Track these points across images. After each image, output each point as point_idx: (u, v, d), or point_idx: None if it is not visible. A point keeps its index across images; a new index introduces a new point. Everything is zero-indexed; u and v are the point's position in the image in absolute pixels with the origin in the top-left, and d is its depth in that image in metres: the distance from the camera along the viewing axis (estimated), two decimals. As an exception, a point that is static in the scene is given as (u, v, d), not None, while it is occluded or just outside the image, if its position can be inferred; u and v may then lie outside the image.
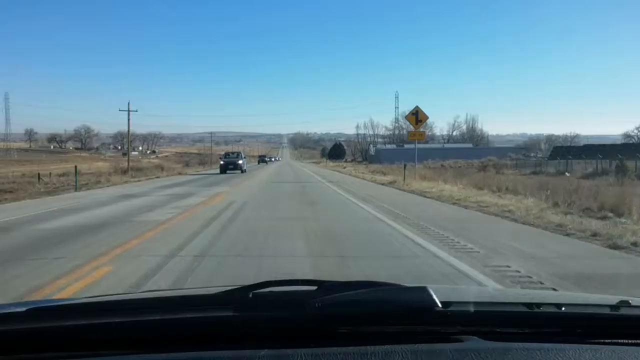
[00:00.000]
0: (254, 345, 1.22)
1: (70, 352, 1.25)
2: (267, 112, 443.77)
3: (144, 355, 1.24)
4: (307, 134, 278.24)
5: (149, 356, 1.23)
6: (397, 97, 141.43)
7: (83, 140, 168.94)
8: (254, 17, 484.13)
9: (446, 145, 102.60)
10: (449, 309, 1.29)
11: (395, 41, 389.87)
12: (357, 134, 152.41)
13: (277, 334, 1.26)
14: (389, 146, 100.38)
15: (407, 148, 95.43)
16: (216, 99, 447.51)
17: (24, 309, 1.34)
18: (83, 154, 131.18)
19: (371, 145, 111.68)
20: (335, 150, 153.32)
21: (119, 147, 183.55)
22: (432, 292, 1.26)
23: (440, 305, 1.26)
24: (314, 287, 1.36)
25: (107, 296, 1.89)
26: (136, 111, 46.38)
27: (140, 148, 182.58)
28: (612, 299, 1.43)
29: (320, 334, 1.26)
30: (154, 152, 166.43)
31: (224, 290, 1.43)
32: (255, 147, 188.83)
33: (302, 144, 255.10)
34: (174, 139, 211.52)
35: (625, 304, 1.39)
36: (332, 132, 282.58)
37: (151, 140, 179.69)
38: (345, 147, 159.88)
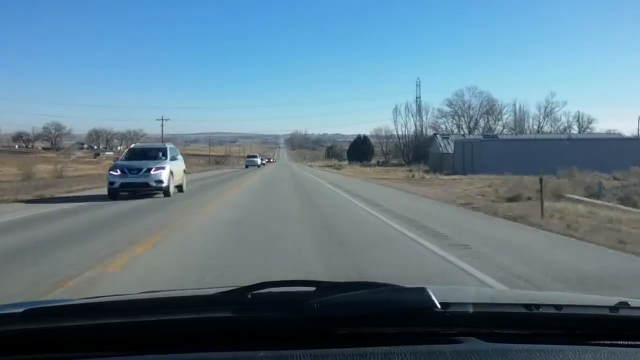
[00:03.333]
0: (252, 346, 1.22)
1: (68, 353, 1.25)
2: (263, 112, 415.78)
3: (142, 356, 1.23)
4: (305, 134, 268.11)
5: (147, 357, 1.22)
6: (418, 86, 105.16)
7: (53, 139, 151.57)
8: (251, 16, 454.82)
9: (578, 136, 61.61)
10: (448, 310, 1.31)
11: (409, 37, 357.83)
12: (384, 130, 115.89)
13: (275, 335, 1.27)
14: (470, 137, 61.42)
15: (512, 139, 58.12)
16: (212, 100, 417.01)
17: (21, 309, 1.36)
18: (48, 154, 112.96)
19: (438, 137, 66.37)
20: (357, 148, 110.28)
21: (95, 147, 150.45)
22: (431, 293, 1.29)
23: (439, 306, 1.28)
24: (313, 288, 1.37)
25: (104, 297, 1.89)
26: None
27: (120, 148, 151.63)
28: (612, 300, 1.46)
29: (319, 335, 1.27)
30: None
31: (222, 291, 1.45)
32: (250, 148, 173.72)
33: (300, 145, 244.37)
34: (168, 140, 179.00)
35: (624, 305, 1.41)
36: (329, 132, 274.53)
37: (130, 138, 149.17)
38: (371, 144, 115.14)
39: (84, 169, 66.94)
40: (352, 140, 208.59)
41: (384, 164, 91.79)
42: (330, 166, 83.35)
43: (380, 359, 1.15)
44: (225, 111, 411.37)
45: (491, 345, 1.23)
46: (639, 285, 5.53)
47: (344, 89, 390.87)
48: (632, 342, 1.29)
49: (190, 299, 1.54)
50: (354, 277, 5.25)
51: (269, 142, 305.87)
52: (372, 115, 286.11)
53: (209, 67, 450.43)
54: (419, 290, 1.32)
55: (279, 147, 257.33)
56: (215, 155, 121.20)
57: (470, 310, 1.35)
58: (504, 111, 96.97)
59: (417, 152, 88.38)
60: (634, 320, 1.39)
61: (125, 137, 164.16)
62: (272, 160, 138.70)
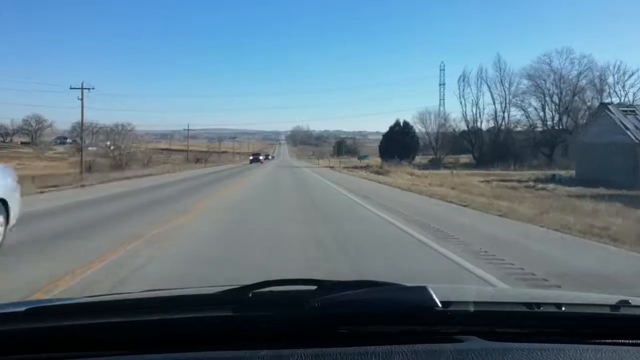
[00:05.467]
0: (253, 344, 1.23)
1: (70, 352, 1.26)
2: (264, 108, 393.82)
3: (144, 355, 1.24)
4: (307, 130, 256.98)
5: (148, 356, 1.24)
6: (442, 70, 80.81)
7: (33, 133, 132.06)
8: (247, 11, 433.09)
9: None
10: (449, 308, 1.33)
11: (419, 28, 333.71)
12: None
13: (277, 334, 1.28)
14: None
15: None
16: (211, 94, 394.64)
17: (23, 308, 1.37)
18: (24, 150, 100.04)
19: (614, 111, 32.13)
20: (394, 141, 74.52)
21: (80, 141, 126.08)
22: (432, 292, 1.30)
23: (440, 305, 1.29)
24: (314, 287, 1.38)
25: (106, 296, 1.98)
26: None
27: (108, 142, 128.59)
28: (613, 298, 1.47)
29: (320, 334, 1.29)
30: (119, 147, 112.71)
31: (223, 290, 1.45)
32: (248, 145, 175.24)
33: (302, 141, 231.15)
34: (165, 135, 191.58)
35: (625, 303, 1.42)
36: (331, 129, 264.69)
37: (118, 132, 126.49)
38: (416, 134, 78.89)
39: (36, 167, 48.04)
40: (354, 137, 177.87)
41: (437, 163, 65.21)
42: (360, 168, 53.76)
43: (382, 358, 1.15)
44: (225, 105, 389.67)
45: (492, 344, 1.24)
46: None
47: (344, 89, 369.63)
48: (633, 341, 1.29)
49: (191, 298, 1.55)
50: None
51: (270, 139, 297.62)
52: (396, 104, 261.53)
53: (208, 63, 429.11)
54: (420, 289, 1.31)
55: (280, 143, 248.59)
56: (197, 150, 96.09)
57: (471, 309, 1.35)
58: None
59: (497, 146, 61.80)
60: (635, 318, 1.39)
61: (112, 131, 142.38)
62: (269, 157, 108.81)
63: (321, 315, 1.26)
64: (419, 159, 74.25)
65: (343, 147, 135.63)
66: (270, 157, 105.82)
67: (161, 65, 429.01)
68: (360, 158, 76.96)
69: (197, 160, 74.50)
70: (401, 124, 77.70)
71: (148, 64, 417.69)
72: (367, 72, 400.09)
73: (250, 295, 1.34)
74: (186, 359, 1.20)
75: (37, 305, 1.43)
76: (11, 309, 1.40)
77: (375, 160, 71.60)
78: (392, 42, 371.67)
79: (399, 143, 71.73)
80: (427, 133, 77.62)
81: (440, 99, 75.36)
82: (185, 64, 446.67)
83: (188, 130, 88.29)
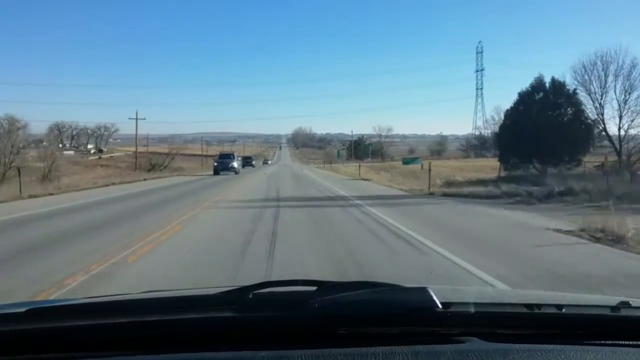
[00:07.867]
0: (254, 345, 1.24)
1: (70, 352, 1.27)
2: (265, 109, 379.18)
3: (144, 355, 1.25)
4: (309, 132, 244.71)
5: (148, 357, 1.24)
6: (480, 53, 59.72)
7: (5, 136, 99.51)
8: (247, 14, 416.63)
9: None
10: (450, 309, 1.34)
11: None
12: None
13: (277, 335, 1.29)
14: None
15: None
16: (211, 98, 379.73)
17: (23, 309, 1.39)
18: None
19: None
20: (533, 122, 30.39)
21: (61, 144, 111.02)
22: (432, 293, 1.31)
23: (440, 306, 1.30)
24: (314, 288, 1.40)
25: (106, 297, 1.92)
26: None
27: (90, 146, 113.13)
28: (613, 300, 1.49)
29: (320, 335, 1.29)
30: (100, 150, 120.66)
31: (224, 290, 1.47)
32: (244, 148, 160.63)
33: (305, 143, 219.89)
34: (165, 139, 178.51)
35: (625, 305, 1.43)
36: (332, 132, 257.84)
37: (100, 135, 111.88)
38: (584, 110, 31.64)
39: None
40: (373, 137, 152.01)
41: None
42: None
43: (382, 358, 1.15)
44: (225, 109, 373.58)
45: (492, 345, 1.24)
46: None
47: (345, 88, 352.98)
48: (634, 342, 1.29)
49: (191, 299, 1.55)
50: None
51: (270, 141, 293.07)
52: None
53: (207, 62, 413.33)
54: (421, 291, 1.32)
55: (281, 147, 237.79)
56: (159, 153, 64.59)
57: (472, 310, 1.35)
58: None
59: None
60: (636, 320, 1.40)
61: (94, 133, 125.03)
62: (250, 164, 69.81)
63: (321, 316, 1.25)
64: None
65: (369, 148, 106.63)
66: (249, 165, 68.28)
67: (159, 66, 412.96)
68: (407, 162, 40.61)
69: (152, 168, 53.18)
70: (547, 85, 34.09)
71: (145, 63, 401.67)
72: (370, 62, 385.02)
73: (250, 296, 1.34)
74: (187, 359, 1.19)
75: (37, 306, 1.44)
76: (12, 310, 1.40)
77: (447, 165, 41.25)
78: (406, 24, 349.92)
79: (549, 126, 31.03)
80: (599, 110, 32.98)
81: (477, 89, 54.31)
82: (184, 66, 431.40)
83: (137, 119, 51.84)
